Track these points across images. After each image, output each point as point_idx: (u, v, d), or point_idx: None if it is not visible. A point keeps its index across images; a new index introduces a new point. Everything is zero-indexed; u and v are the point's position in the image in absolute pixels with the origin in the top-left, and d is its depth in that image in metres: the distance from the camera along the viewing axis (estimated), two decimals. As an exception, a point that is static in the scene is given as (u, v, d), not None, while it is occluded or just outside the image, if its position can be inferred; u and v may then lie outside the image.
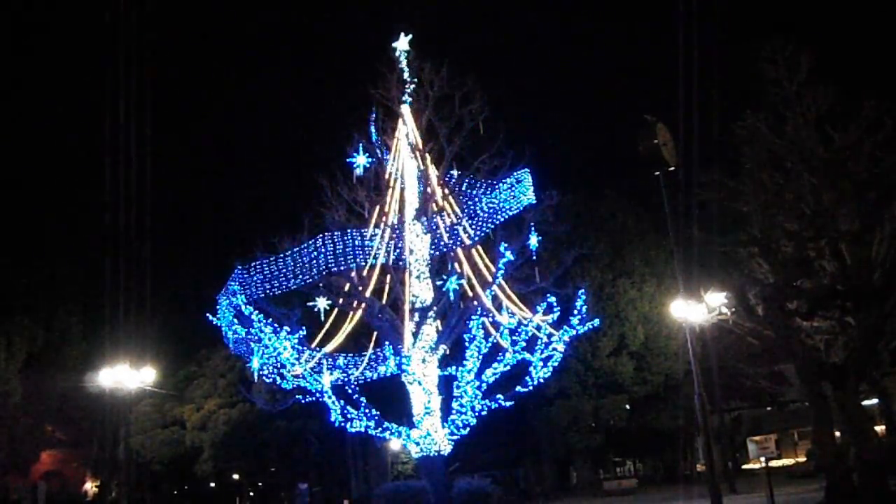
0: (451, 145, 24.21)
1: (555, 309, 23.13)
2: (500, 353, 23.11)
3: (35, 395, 37.84)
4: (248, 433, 42.21)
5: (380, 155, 24.72)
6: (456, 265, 22.74)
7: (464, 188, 24.70)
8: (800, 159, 21.35)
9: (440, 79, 24.41)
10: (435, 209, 23.52)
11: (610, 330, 38.25)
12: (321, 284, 22.85)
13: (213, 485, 52.03)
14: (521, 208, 23.58)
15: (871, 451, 19.15)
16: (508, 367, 23.18)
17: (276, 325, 21.76)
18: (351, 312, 23.51)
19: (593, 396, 39.03)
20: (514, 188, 23.57)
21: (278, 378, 22.59)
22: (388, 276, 23.90)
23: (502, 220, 23.57)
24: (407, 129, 24.86)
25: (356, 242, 23.04)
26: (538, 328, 22.89)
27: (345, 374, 22.91)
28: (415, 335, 22.49)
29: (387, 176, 24.64)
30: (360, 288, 23.04)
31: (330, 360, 23.17)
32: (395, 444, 39.57)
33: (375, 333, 24.07)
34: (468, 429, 23.00)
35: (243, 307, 22.01)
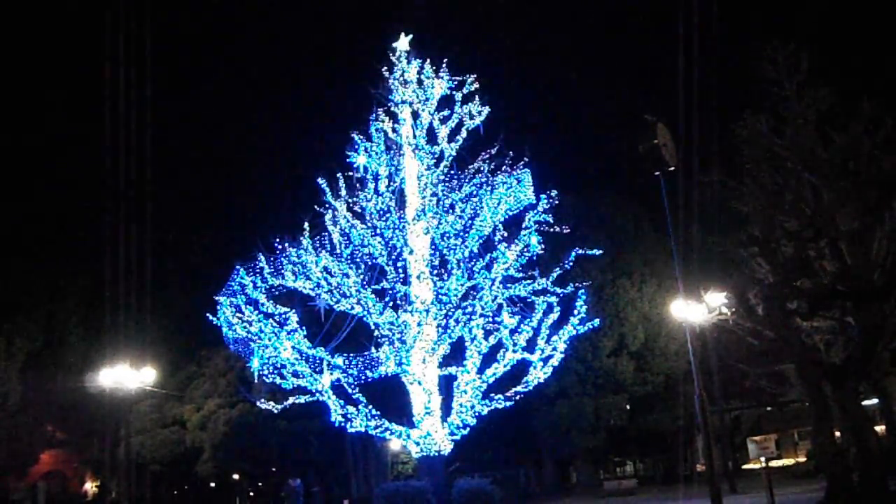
0: (451, 145, 24.23)
1: (555, 309, 23.11)
2: (500, 353, 23.08)
3: (35, 395, 37.85)
4: (248, 433, 42.20)
5: (380, 155, 24.69)
6: (456, 265, 22.69)
7: (464, 188, 24.67)
8: (800, 159, 21.36)
9: (440, 79, 24.50)
10: (435, 209, 23.48)
11: (610, 330, 38.26)
12: (321, 284, 22.82)
13: (213, 485, 52.05)
14: (521, 208, 23.56)
15: (871, 451, 19.15)
16: (508, 367, 23.14)
17: (276, 325, 21.75)
18: (351, 312, 23.46)
19: (593, 396, 39.02)
20: (513, 188, 23.56)
21: (278, 378, 22.57)
22: (388, 277, 23.86)
23: (502, 219, 23.54)
24: (407, 129, 24.87)
25: (356, 242, 23.06)
26: (538, 328, 22.87)
27: (345, 374, 22.88)
28: (415, 335, 22.47)
29: (387, 176, 24.62)
30: (360, 287, 22.99)
31: (330, 359, 23.15)
32: (395, 444, 39.65)
33: (375, 333, 24.03)
34: (468, 429, 22.98)
35: (243, 307, 21.99)
